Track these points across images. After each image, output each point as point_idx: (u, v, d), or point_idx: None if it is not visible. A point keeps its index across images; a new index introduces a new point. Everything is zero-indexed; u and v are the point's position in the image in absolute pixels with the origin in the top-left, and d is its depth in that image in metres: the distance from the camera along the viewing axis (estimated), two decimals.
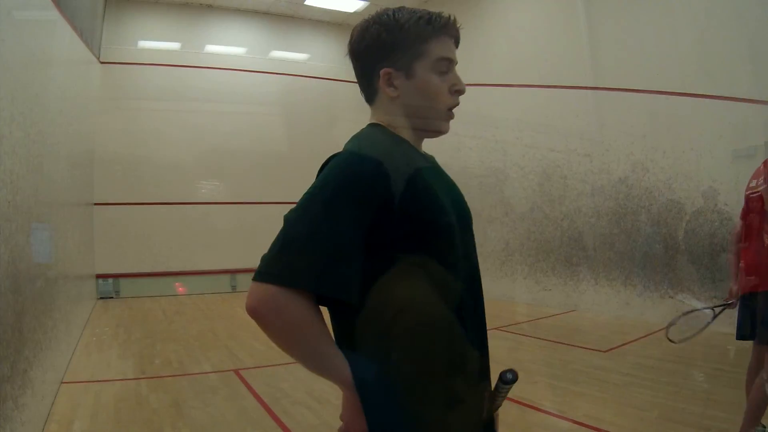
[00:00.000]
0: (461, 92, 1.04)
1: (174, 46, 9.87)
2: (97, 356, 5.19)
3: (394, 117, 1.03)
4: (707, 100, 5.59)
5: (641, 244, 6.47)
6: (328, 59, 11.06)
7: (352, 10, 10.48)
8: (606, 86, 6.79)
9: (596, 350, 5.01)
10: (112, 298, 8.88)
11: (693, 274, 5.84)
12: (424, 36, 0.99)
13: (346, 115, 11.11)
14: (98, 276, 8.78)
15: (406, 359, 0.91)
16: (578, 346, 5.21)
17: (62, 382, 4.19)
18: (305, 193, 0.91)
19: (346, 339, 0.93)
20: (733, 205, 5.42)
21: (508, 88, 8.18)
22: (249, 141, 10.13)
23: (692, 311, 3.05)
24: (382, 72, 1.00)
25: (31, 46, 3.32)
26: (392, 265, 0.89)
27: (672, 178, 6.08)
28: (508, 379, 0.96)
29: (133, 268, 9.10)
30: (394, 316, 0.90)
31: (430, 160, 1.09)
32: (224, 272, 9.80)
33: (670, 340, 2.93)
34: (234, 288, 9.85)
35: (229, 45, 10.28)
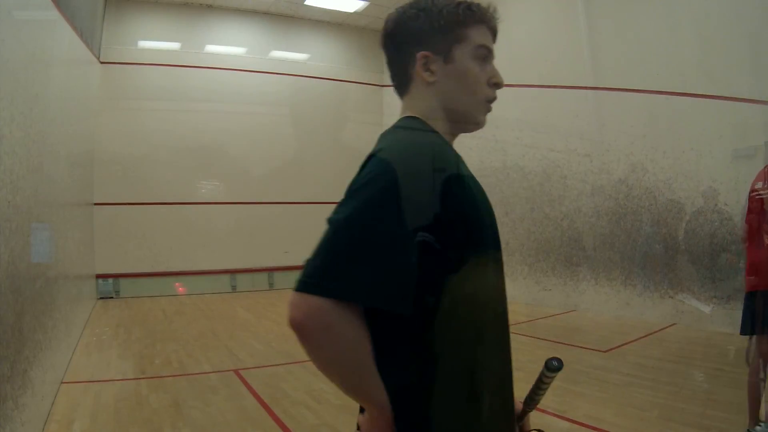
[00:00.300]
0: (500, 85, 0.99)
1: (174, 46, 9.87)
2: (97, 356, 5.19)
3: (431, 105, 0.97)
4: (707, 100, 5.59)
5: (641, 244, 6.47)
6: (328, 59, 11.07)
7: (352, 10, 10.48)
8: (606, 86, 6.79)
9: (596, 350, 5.01)
10: (112, 298, 8.87)
11: (693, 274, 5.84)
12: (464, 21, 0.95)
13: (346, 115, 11.12)
14: (98, 276, 8.78)
15: (457, 371, 0.87)
16: (578, 346, 5.21)
17: (62, 382, 4.19)
18: (350, 194, 0.83)
19: (385, 352, 0.84)
20: (733, 205, 5.42)
21: (508, 88, 8.16)
22: (249, 141, 10.14)
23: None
24: (419, 55, 0.95)
25: (31, 46, 3.32)
26: (437, 274, 0.84)
27: (672, 178, 6.07)
28: (554, 366, 0.89)
29: (133, 268, 9.10)
30: (445, 326, 0.85)
31: (462, 160, 1.04)
32: (224, 272, 9.80)
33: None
34: (234, 288, 9.86)
35: (229, 45, 10.28)
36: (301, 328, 0.78)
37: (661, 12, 6.18)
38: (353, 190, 0.83)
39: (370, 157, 0.87)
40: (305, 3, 10.07)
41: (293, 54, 10.85)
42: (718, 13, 5.55)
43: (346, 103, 11.17)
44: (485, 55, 0.98)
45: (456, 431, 0.86)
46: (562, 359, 0.90)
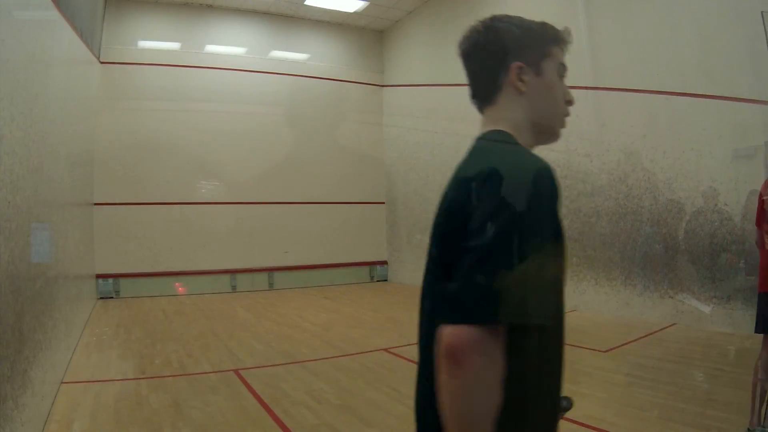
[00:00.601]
0: (572, 103, 1.06)
1: (174, 46, 9.88)
2: (97, 356, 5.19)
3: (519, 116, 1.01)
4: (707, 100, 5.59)
5: (641, 244, 6.47)
6: (328, 59, 11.07)
7: (352, 10, 10.49)
8: (606, 86, 6.79)
9: (596, 350, 5.01)
10: (112, 298, 8.88)
11: (693, 274, 5.84)
12: (550, 38, 1.03)
13: (346, 115, 11.12)
14: (98, 276, 8.79)
15: (547, 378, 0.92)
16: (578, 346, 5.21)
17: (62, 382, 4.19)
18: (486, 218, 0.83)
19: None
20: (733, 205, 5.42)
21: None
22: (249, 141, 10.14)
23: None
24: (514, 65, 0.99)
25: (31, 46, 3.32)
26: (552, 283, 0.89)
27: (672, 178, 6.07)
28: (563, 406, 0.94)
29: (133, 268, 9.11)
30: (548, 336, 0.89)
31: None
32: (224, 272, 9.81)
33: None
34: (234, 288, 9.86)
35: (229, 45, 10.29)
36: (462, 356, 0.78)
37: (661, 12, 6.17)
38: (487, 214, 0.83)
39: (480, 176, 0.87)
40: (305, 3, 10.08)
41: (293, 54, 10.85)
42: (718, 13, 5.55)
43: (346, 103, 11.17)
44: (563, 73, 1.04)
45: None
46: (571, 399, 0.95)
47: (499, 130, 0.99)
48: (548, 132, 1.04)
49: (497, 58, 1.01)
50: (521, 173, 0.86)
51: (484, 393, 0.80)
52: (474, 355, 0.78)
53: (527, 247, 0.81)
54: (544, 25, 1.03)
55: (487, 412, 0.81)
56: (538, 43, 1.01)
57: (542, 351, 0.89)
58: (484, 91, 1.03)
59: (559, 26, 1.09)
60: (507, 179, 0.85)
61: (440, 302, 0.87)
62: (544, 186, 0.86)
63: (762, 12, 4.98)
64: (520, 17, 1.03)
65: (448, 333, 0.79)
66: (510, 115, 1.00)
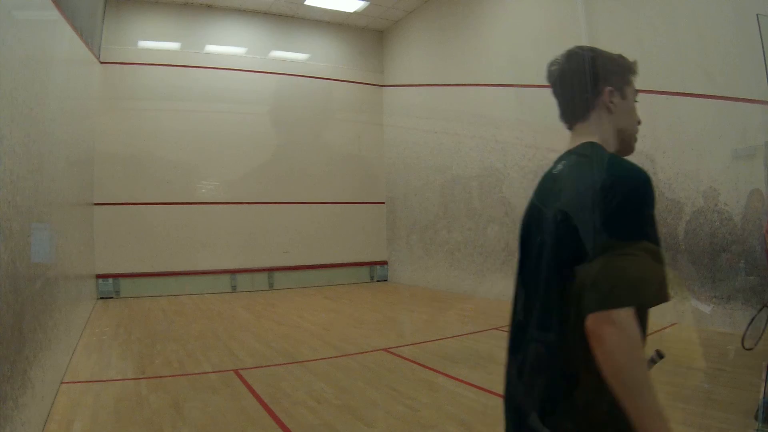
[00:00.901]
0: (640, 123, 1.24)
1: (174, 46, 9.88)
2: (97, 356, 5.19)
3: (607, 131, 1.19)
4: (707, 100, 5.59)
5: None
6: (328, 59, 11.07)
7: (352, 10, 10.49)
8: None
9: None
10: (112, 298, 8.88)
11: (693, 274, 5.83)
12: (629, 68, 1.23)
13: (345, 115, 11.12)
14: (98, 276, 8.79)
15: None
16: None
17: (62, 382, 4.19)
18: (614, 214, 1.01)
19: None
20: (733, 205, 5.42)
21: (508, 87, 8.18)
22: (249, 141, 10.15)
23: (755, 316, 3.21)
24: (607, 89, 1.18)
25: (31, 46, 3.32)
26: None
27: (672, 178, 6.07)
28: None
29: (133, 268, 9.11)
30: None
31: None
32: (224, 272, 9.81)
33: (747, 348, 3.09)
34: (234, 288, 9.86)
35: (229, 45, 10.29)
36: (622, 332, 0.94)
37: (661, 12, 6.17)
38: (616, 211, 1.01)
39: (611, 180, 1.06)
40: (305, 3, 10.08)
41: (293, 54, 10.85)
42: (718, 13, 5.55)
43: (347, 103, 11.18)
44: (636, 98, 1.23)
45: None
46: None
47: (594, 143, 1.17)
48: (627, 146, 1.22)
49: (594, 82, 1.19)
50: (639, 177, 1.05)
51: (641, 353, 0.97)
52: (628, 329, 0.95)
53: (654, 238, 1.01)
54: (622, 57, 1.24)
55: (645, 365, 0.98)
56: (622, 72, 1.22)
57: (646, 320, 1.07)
58: (578, 109, 1.22)
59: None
60: (633, 182, 1.05)
61: (584, 297, 1.00)
62: (652, 187, 1.05)
63: (758, 15, 4.98)
64: (601, 49, 1.23)
65: (596, 319, 0.95)
66: (599, 130, 1.19)
